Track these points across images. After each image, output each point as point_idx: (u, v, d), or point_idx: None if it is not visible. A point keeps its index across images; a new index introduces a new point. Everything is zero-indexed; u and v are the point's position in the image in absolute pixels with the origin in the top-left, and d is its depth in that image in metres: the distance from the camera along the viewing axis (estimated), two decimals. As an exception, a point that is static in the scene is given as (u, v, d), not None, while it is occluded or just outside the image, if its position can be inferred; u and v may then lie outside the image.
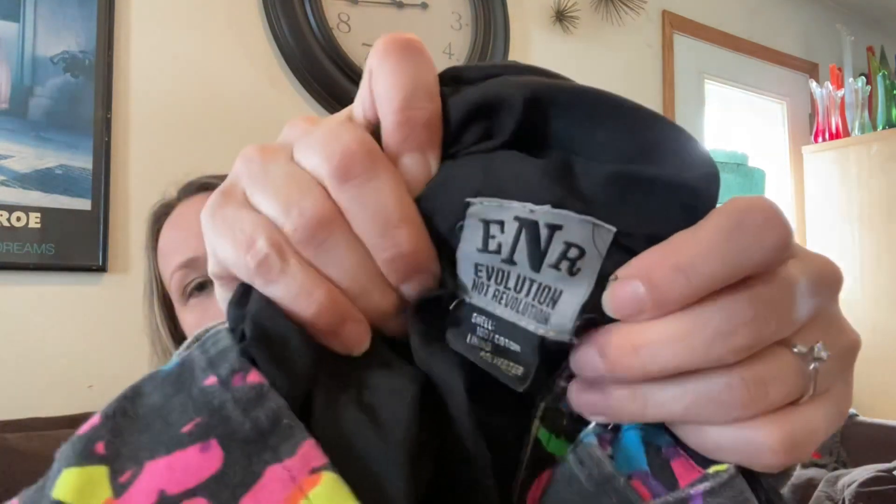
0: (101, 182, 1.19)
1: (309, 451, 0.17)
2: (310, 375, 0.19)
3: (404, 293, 0.20)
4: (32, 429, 0.99)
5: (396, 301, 0.20)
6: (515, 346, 0.19)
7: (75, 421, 1.03)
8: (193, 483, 0.16)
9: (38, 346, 1.13)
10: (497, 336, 0.19)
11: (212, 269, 0.21)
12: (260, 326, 0.19)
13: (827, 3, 2.75)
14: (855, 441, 1.88)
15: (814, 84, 2.51)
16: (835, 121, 2.46)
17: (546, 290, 0.19)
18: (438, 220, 0.19)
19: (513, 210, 0.18)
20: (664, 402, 0.18)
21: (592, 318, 0.18)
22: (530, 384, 0.19)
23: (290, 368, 0.18)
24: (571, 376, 0.20)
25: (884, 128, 2.35)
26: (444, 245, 0.20)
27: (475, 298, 0.20)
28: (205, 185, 0.73)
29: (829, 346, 0.18)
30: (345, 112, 0.21)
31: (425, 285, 0.20)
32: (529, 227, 0.18)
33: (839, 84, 2.46)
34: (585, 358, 0.19)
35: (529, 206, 0.18)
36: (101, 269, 1.18)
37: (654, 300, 0.17)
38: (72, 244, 1.16)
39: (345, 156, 0.19)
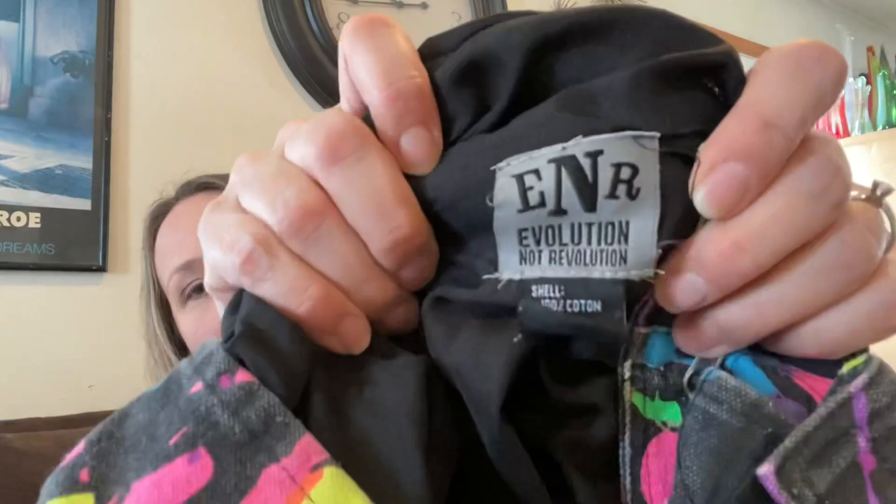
0: (101, 182, 1.19)
1: (307, 446, 0.15)
2: (304, 370, 0.17)
3: (403, 277, 0.19)
4: (32, 429, 0.99)
5: (396, 291, 0.19)
6: (595, 306, 0.16)
7: (75, 421, 1.03)
8: (183, 497, 0.15)
9: (38, 346, 1.13)
10: (570, 302, 0.16)
11: (207, 280, 0.20)
12: (247, 323, 0.17)
13: (827, 3, 2.74)
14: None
15: (814, 84, 2.51)
16: (835, 121, 2.46)
17: (610, 226, 0.16)
18: (465, 204, 0.17)
19: (543, 156, 0.16)
20: (786, 295, 0.16)
21: (671, 244, 0.16)
22: (623, 340, 0.17)
23: (283, 363, 0.17)
24: (651, 321, 0.18)
25: (884, 128, 2.35)
26: (473, 228, 0.17)
27: (527, 271, 0.17)
28: (204, 185, 0.72)
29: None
30: (333, 108, 0.20)
31: (426, 268, 0.19)
32: (568, 163, 0.16)
33: (839, 84, 2.46)
34: (680, 286, 0.16)
35: (559, 145, 0.16)
36: (101, 269, 1.18)
37: (758, 172, 0.15)
38: (72, 244, 1.16)
39: (331, 135, 0.18)
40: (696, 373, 0.18)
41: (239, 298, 0.19)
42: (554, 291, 0.17)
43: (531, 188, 0.16)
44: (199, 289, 0.66)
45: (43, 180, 1.15)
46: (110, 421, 0.17)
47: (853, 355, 0.17)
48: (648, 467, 0.18)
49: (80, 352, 1.16)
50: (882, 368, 0.17)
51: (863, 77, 2.40)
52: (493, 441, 0.17)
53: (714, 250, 0.16)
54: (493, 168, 0.16)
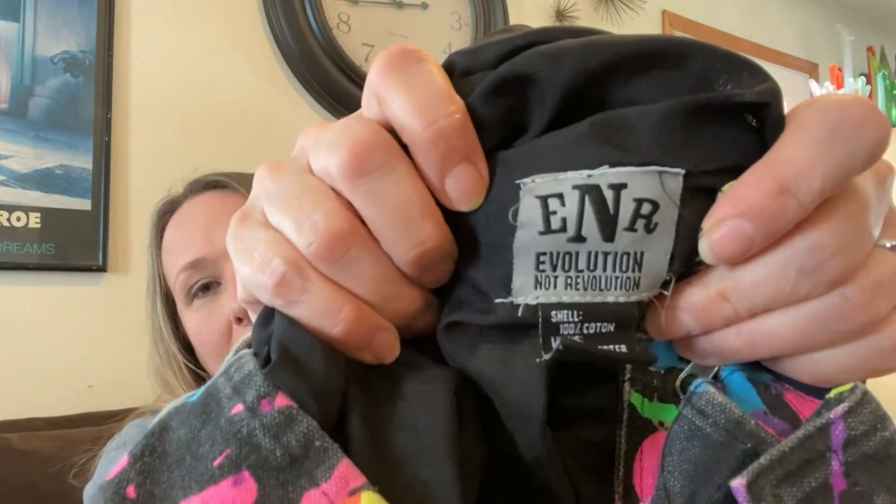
0: (101, 182, 1.19)
1: (346, 471, 0.16)
2: (339, 393, 0.18)
3: (423, 280, 0.19)
4: (32, 429, 0.99)
5: (422, 301, 0.19)
6: (609, 327, 0.17)
7: (75, 421, 1.03)
8: None
9: (38, 346, 1.13)
10: (587, 325, 0.17)
11: (239, 294, 0.20)
12: (283, 348, 0.18)
13: (827, 3, 2.75)
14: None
15: (814, 84, 2.51)
16: (835, 121, 2.46)
17: (625, 256, 0.17)
18: (487, 216, 0.17)
19: (569, 180, 0.16)
20: (776, 333, 0.17)
21: (676, 274, 0.17)
22: (641, 353, 0.17)
23: (319, 389, 0.17)
24: None
25: (884, 128, 2.35)
26: (490, 244, 0.18)
27: (542, 296, 0.17)
28: (212, 184, 0.71)
29: None
30: (355, 115, 0.20)
31: (447, 270, 0.19)
32: (592, 192, 0.16)
33: (839, 84, 2.46)
34: (670, 321, 0.17)
35: (585, 172, 0.16)
36: (101, 269, 1.18)
37: (763, 233, 0.16)
38: (72, 244, 1.16)
39: (356, 147, 0.17)
40: (689, 379, 0.19)
41: (270, 311, 0.19)
42: (572, 316, 0.17)
43: (554, 212, 0.16)
44: (206, 288, 0.66)
45: (43, 180, 1.15)
46: (150, 435, 0.18)
47: None
48: (642, 462, 0.19)
49: (80, 352, 1.16)
50: (865, 398, 0.17)
51: (863, 77, 2.40)
52: (533, 450, 0.17)
53: (702, 295, 0.17)
54: (517, 182, 0.17)
